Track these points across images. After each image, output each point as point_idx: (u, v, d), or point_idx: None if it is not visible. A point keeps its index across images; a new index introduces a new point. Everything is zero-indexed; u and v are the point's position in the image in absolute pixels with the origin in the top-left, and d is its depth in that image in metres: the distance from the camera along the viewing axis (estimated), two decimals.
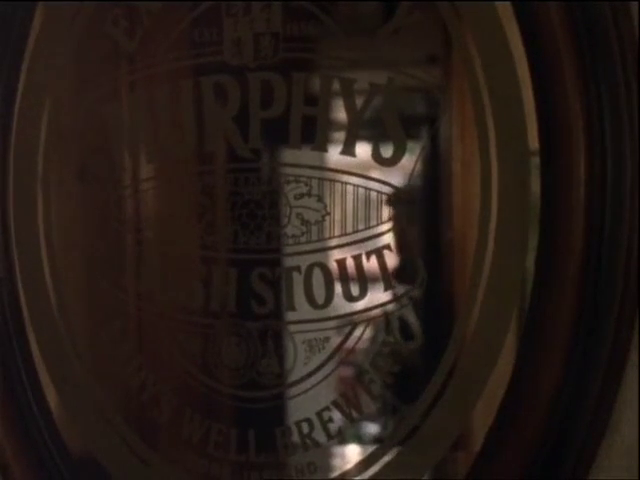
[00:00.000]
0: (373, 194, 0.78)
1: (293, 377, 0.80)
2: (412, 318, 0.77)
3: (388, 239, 0.78)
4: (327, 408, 0.80)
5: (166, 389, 0.84)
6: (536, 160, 0.73)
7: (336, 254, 0.79)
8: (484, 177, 0.73)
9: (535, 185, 0.73)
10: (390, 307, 0.77)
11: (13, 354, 0.88)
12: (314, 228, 0.79)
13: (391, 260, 0.78)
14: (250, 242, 0.80)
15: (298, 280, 0.79)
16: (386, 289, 0.78)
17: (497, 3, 0.73)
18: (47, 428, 0.87)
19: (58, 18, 0.83)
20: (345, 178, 0.79)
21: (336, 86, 0.76)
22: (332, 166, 0.79)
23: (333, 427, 0.80)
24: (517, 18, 0.73)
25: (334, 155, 0.78)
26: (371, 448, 0.80)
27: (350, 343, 0.79)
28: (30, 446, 0.88)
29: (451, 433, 0.77)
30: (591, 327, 0.73)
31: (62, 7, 0.83)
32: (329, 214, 0.79)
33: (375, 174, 0.78)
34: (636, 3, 0.72)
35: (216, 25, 0.78)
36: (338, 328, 0.79)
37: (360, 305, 0.78)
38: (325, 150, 0.78)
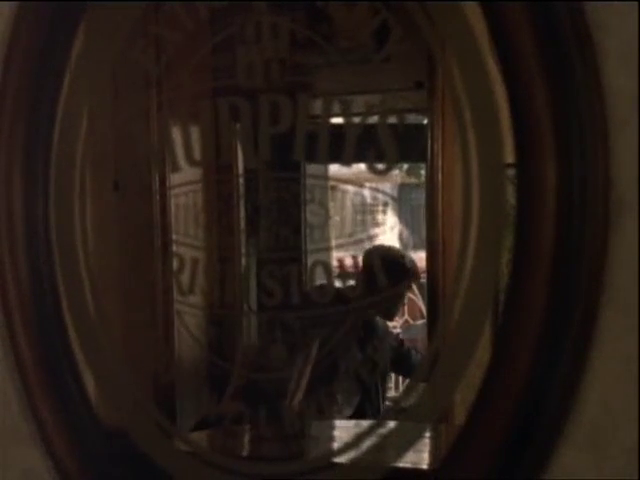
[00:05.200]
0: (368, 201, 0.86)
1: (298, 361, 0.89)
2: (401, 310, 0.85)
3: (381, 240, 0.86)
4: (329, 387, 0.88)
5: (187, 372, 0.92)
6: (512, 172, 0.79)
7: (336, 253, 0.87)
8: (466, 186, 0.79)
9: (511, 194, 0.79)
10: (382, 300, 0.86)
11: (54, 343, 0.94)
12: (317, 231, 0.88)
13: None
14: (260, 243, 0.88)
15: (303, 276, 0.88)
16: (379, 284, 0.86)
17: (478, 34, 0.80)
18: (84, 406, 0.94)
19: (95, 45, 0.90)
20: (344, 187, 0.87)
21: (336, 106, 0.83)
22: (332, 176, 0.87)
23: (334, 404, 0.88)
24: (496, 47, 0.80)
25: (334, 166, 0.86)
26: (368, 423, 0.87)
27: (348, 331, 0.87)
28: (69, 422, 0.94)
29: (437, 410, 0.84)
30: (559, 318, 0.78)
31: (99, 34, 0.90)
32: (330, 218, 0.87)
33: (370, 183, 0.86)
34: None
35: (231, 52, 0.85)
36: (338, 318, 0.88)
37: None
38: (326, 162, 0.86)
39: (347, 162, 0.84)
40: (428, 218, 0.84)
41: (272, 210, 0.87)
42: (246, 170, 0.88)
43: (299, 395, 0.87)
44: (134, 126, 0.90)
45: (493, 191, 0.80)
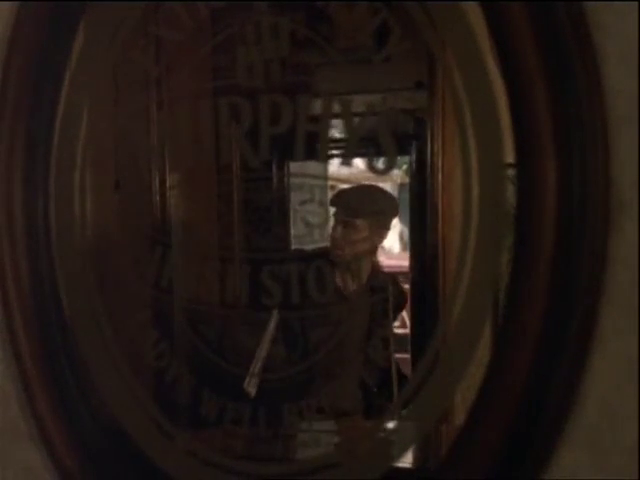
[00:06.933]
0: None
1: (299, 360, 0.88)
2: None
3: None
4: (329, 387, 0.88)
5: (187, 372, 0.92)
6: (512, 171, 0.79)
7: None
8: (465, 186, 0.79)
9: (510, 193, 0.79)
10: (383, 298, 0.85)
11: (54, 342, 0.94)
12: (316, 230, 0.88)
13: (383, 258, 0.86)
14: (260, 243, 0.88)
15: (302, 275, 0.88)
16: (379, 283, 0.86)
17: (478, 34, 0.80)
18: (84, 406, 0.94)
19: (95, 45, 0.89)
20: (344, 186, 0.87)
21: (336, 106, 0.83)
22: (332, 175, 0.87)
23: (334, 404, 0.88)
24: (496, 47, 0.80)
25: (334, 166, 0.86)
26: (368, 423, 0.87)
27: (348, 330, 0.87)
28: (69, 421, 0.94)
29: (437, 410, 0.84)
30: (559, 318, 0.78)
31: (99, 34, 0.90)
32: (330, 218, 0.87)
33: (369, 183, 0.86)
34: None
35: (231, 52, 0.85)
36: (338, 317, 0.87)
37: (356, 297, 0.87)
38: (326, 162, 0.86)
39: (346, 161, 0.84)
40: (428, 218, 0.83)
41: (272, 210, 0.87)
42: (246, 170, 0.87)
43: (255, 376, 0.86)
44: (134, 126, 0.90)
45: (493, 191, 0.79)
